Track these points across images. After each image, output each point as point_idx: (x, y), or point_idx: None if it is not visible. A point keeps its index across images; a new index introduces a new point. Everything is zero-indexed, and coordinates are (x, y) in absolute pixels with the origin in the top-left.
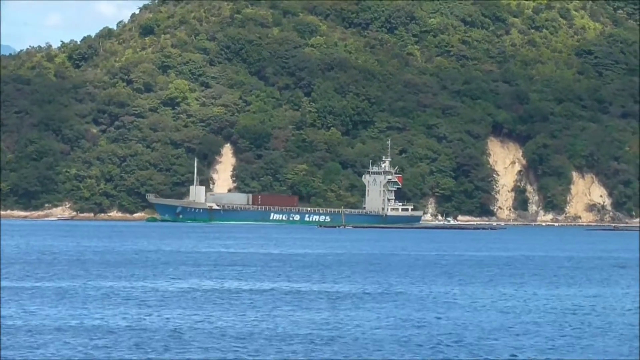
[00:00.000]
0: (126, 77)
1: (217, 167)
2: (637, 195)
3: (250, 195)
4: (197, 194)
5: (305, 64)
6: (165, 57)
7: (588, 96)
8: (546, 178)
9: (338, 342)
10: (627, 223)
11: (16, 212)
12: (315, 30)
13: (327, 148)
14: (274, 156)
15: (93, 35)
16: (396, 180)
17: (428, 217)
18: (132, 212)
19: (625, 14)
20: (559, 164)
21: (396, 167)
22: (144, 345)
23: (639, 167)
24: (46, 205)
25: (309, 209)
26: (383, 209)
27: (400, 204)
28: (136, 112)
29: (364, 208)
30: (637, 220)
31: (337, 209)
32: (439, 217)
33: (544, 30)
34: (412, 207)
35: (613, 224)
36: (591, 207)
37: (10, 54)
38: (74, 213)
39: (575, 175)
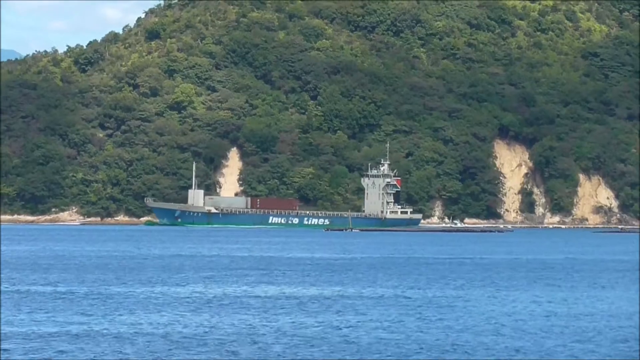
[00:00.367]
0: (132, 81)
1: (224, 170)
2: None
3: (249, 198)
4: (195, 198)
5: (312, 67)
6: (171, 61)
7: (594, 98)
8: (553, 180)
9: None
10: (633, 225)
11: (23, 217)
12: (321, 33)
13: (333, 151)
14: (280, 160)
15: (99, 39)
16: (395, 183)
17: (435, 220)
18: (138, 216)
19: (631, 16)
20: (565, 166)
21: (395, 170)
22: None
23: None
24: (53, 209)
25: (307, 212)
26: (382, 211)
27: (400, 206)
28: (142, 116)
29: (363, 211)
30: None
31: (336, 212)
32: (446, 220)
33: (550, 32)
34: (411, 209)
35: (620, 226)
36: (598, 210)
37: (15, 59)
38: (97, 218)
39: (581, 177)
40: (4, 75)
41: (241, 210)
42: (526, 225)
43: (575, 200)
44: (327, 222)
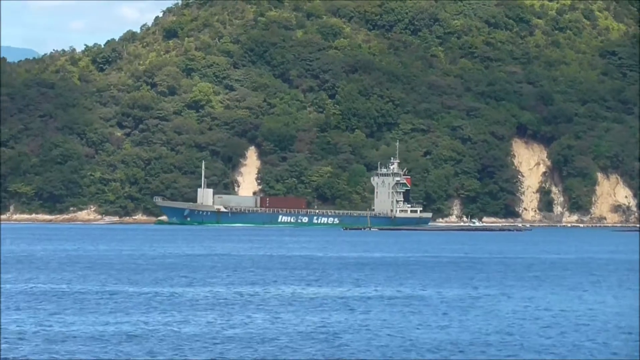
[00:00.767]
0: (150, 80)
1: (242, 169)
2: None
3: (258, 197)
4: (205, 197)
5: (329, 66)
6: (189, 60)
7: (612, 97)
8: (571, 179)
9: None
10: None
11: (41, 216)
12: (339, 32)
13: (351, 150)
14: (298, 159)
15: (117, 38)
16: (405, 182)
17: (453, 218)
18: (157, 215)
19: None
20: (583, 164)
21: (405, 169)
22: None
23: None
24: (71, 208)
25: (317, 211)
26: (392, 210)
27: (409, 205)
28: (160, 115)
29: (373, 210)
30: None
31: (345, 211)
32: (464, 218)
33: (568, 31)
34: (421, 208)
35: (638, 225)
36: (616, 208)
37: (34, 58)
38: (115, 217)
39: (600, 176)
40: (22, 74)
41: (250, 209)
42: (544, 224)
43: (593, 199)
44: (336, 220)
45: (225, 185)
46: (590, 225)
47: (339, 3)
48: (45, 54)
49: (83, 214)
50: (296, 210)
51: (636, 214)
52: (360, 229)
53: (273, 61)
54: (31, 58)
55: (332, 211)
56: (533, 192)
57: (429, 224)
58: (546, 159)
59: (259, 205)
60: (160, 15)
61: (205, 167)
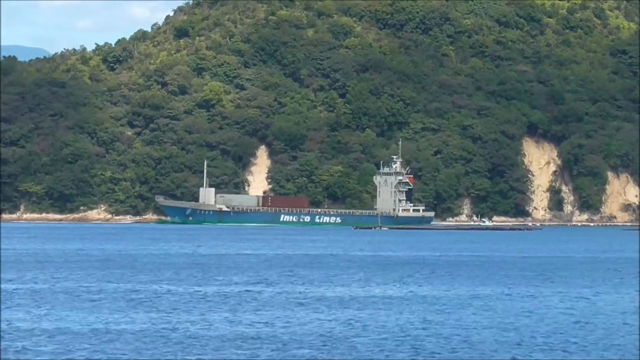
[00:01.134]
0: (161, 79)
1: (252, 169)
2: None
3: (260, 196)
4: (206, 196)
5: (340, 65)
6: (199, 59)
7: (623, 96)
8: (581, 178)
9: None
10: None
11: (51, 215)
12: (349, 31)
13: (362, 149)
14: (309, 158)
15: (127, 38)
16: (407, 181)
17: (463, 217)
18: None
19: None
20: (594, 164)
21: (407, 168)
22: None
23: None
24: (81, 208)
25: (319, 210)
26: (394, 209)
27: (412, 204)
28: (171, 114)
29: (375, 209)
30: None
31: (347, 210)
32: (474, 218)
33: (579, 30)
34: (423, 207)
35: None
36: (626, 207)
37: (44, 57)
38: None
39: (610, 175)
40: (33, 73)
41: (252, 208)
42: (554, 223)
43: (603, 198)
44: (339, 220)
45: (235, 184)
46: (600, 224)
47: (349, 2)
48: (56, 53)
49: (93, 214)
50: (298, 209)
51: None
52: (371, 228)
53: (284, 60)
54: (42, 57)
55: (335, 210)
56: (543, 191)
57: (432, 223)
58: (556, 158)
59: (261, 204)
60: (171, 14)
61: (216, 166)
